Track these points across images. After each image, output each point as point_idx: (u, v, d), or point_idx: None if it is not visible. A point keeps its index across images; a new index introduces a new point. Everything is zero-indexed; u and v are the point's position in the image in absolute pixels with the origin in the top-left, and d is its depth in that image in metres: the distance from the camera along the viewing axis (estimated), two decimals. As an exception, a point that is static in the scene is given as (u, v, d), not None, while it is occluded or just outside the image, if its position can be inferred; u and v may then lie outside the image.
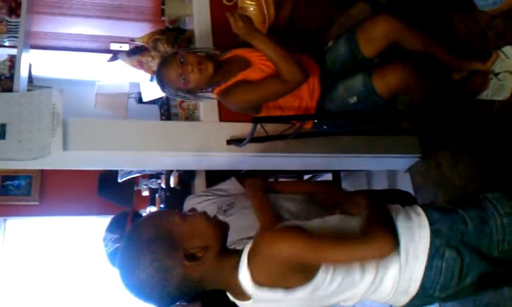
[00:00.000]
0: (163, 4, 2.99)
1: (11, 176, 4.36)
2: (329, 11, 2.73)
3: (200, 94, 2.25)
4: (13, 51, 2.76)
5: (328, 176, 3.37)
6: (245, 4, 2.41)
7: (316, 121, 2.32)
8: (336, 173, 3.27)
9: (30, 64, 3.37)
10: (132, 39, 3.01)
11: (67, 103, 2.42)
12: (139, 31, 3.58)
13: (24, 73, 2.60)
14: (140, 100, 4.27)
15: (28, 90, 2.71)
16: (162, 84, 2.23)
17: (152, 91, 4.00)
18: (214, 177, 2.95)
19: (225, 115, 2.54)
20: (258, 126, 2.25)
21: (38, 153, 2.34)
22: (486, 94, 2.27)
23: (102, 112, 4.29)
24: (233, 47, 2.31)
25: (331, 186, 2.83)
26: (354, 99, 2.22)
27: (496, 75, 2.25)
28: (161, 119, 2.95)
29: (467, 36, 2.46)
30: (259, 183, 1.95)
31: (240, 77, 2.18)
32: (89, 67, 4.38)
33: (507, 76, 2.23)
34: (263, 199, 1.87)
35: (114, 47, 4.00)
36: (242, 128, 2.43)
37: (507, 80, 2.23)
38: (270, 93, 2.16)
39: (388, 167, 2.94)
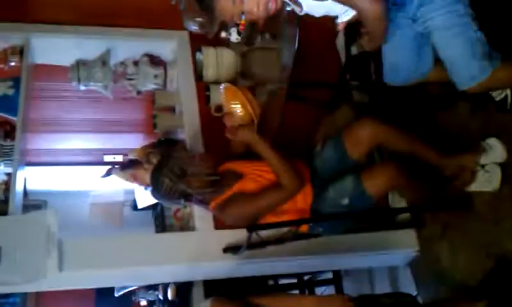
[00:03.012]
0: (154, 117, 3.09)
1: (6, 293, 4.25)
2: (316, 115, 2.83)
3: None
4: (8, 169, 2.80)
5: (329, 275, 3.34)
6: (231, 109, 2.47)
7: (311, 224, 2.33)
8: (336, 272, 3.24)
9: (25, 179, 3.41)
10: (125, 154, 3.08)
11: (62, 215, 2.43)
12: (132, 142, 3.66)
13: (18, 188, 2.64)
14: (135, 207, 4.28)
15: (23, 204, 2.74)
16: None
17: (147, 197, 4.02)
18: (213, 286, 2.90)
19: (220, 222, 2.55)
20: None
21: (34, 276, 2.32)
22: (474, 187, 2.31)
23: (97, 222, 4.28)
24: (223, 160, 2.37)
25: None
26: (346, 201, 2.25)
27: (482, 166, 2.30)
28: (156, 231, 2.94)
29: (450, 131, 2.54)
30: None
31: (236, 188, 2.22)
32: (84, 179, 4.43)
33: (494, 167, 2.28)
34: None
35: (107, 159, 4.06)
36: (238, 235, 2.42)
37: (494, 171, 2.28)
38: (269, 204, 2.19)
39: (388, 263, 2.91)
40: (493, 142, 2.28)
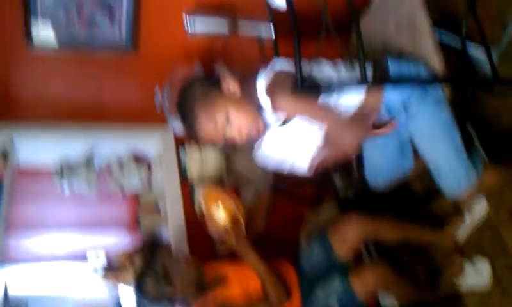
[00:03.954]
0: (139, 216, 3.06)
1: None
2: (299, 210, 2.82)
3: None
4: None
5: None
6: (213, 213, 2.41)
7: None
8: None
9: (5, 284, 3.32)
10: (109, 254, 3.02)
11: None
12: (116, 241, 3.59)
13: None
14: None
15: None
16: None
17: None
18: None
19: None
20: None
21: None
22: (465, 285, 2.27)
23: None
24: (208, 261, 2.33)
25: None
26: (334, 302, 2.20)
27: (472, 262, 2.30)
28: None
29: (437, 213, 2.55)
30: None
31: (219, 296, 2.16)
32: (66, 277, 4.30)
33: (481, 262, 2.26)
34: None
35: (90, 254, 3.96)
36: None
37: (482, 266, 2.26)
38: None
39: None
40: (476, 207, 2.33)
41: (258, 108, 1.67)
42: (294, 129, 1.70)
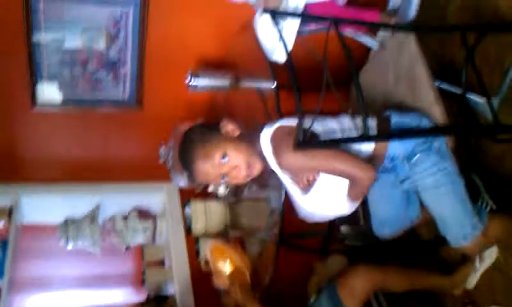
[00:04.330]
0: (144, 272, 3.03)
1: None
2: (306, 261, 2.79)
3: None
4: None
5: None
6: (219, 268, 2.39)
7: None
8: None
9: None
10: (114, 310, 2.98)
11: None
12: (120, 295, 3.54)
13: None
14: None
15: None
16: None
17: None
18: None
19: None
20: None
21: None
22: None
23: None
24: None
25: None
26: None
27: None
28: None
29: (446, 259, 2.51)
30: None
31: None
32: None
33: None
34: None
35: (96, 313, 3.90)
36: None
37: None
38: None
39: None
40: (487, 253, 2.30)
41: (260, 155, 1.69)
42: (323, 186, 1.70)
